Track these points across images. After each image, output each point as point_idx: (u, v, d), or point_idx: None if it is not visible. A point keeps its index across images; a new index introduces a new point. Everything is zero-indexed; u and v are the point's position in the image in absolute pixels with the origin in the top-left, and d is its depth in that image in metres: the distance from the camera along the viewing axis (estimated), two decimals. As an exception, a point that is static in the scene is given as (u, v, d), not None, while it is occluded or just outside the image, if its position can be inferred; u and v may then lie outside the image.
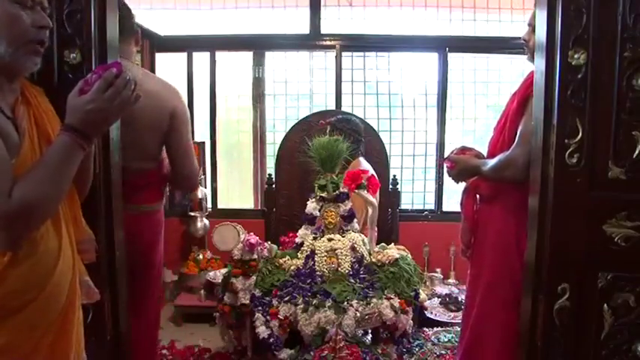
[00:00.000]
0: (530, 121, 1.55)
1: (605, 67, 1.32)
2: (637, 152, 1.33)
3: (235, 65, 4.07)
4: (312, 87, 4.07)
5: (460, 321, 2.34)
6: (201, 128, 4.02)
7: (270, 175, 3.53)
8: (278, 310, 2.30)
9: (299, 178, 3.41)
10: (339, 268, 2.42)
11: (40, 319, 1.11)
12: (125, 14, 1.78)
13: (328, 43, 3.89)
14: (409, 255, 2.70)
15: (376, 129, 3.72)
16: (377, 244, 2.70)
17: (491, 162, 1.84)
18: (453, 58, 3.93)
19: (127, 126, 1.58)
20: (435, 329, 3.21)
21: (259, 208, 4.06)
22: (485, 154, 1.99)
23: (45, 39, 1.15)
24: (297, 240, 2.59)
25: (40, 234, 1.10)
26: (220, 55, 4.00)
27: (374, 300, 2.28)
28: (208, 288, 3.41)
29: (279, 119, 4.11)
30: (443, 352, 2.95)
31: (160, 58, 3.92)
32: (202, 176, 3.77)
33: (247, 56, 4.04)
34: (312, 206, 2.57)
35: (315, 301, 2.28)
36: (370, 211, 2.59)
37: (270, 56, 4.05)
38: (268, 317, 2.30)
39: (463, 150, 2.05)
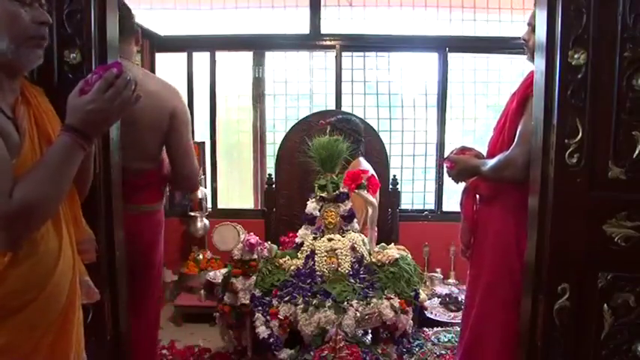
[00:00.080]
0: (530, 121, 1.55)
1: (605, 67, 1.32)
2: (637, 152, 1.33)
3: (235, 65, 4.07)
4: (312, 87, 4.07)
5: (460, 321, 2.34)
6: (201, 128, 4.01)
7: (270, 175, 3.53)
8: (278, 310, 2.30)
9: (299, 178, 3.41)
10: (339, 268, 2.42)
11: (40, 319, 1.11)
12: (125, 14, 1.79)
13: (328, 43, 3.89)
14: (409, 255, 2.70)
15: (376, 129, 3.71)
16: (377, 244, 2.70)
17: (491, 162, 1.84)
18: (453, 58, 3.93)
19: (127, 126, 1.58)
20: (435, 329, 3.21)
21: (259, 208, 4.06)
22: (485, 154, 1.99)
23: (45, 35, 1.15)
24: (297, 240, 2.59)
25: (40, 234, 1.10)
26: (220, 55, 4.00)
27: (374, 300, 2.28)
28: (208, 288, 3.41)
29: (279, 119, 4.11)
30: (443, 352, 2.95)
31: (160, 58, 3.92)
32: (202, 176, 3.77)
33: (247, 56, 4.04)
34: (312, 206, 2.57)
35: (315, 301, 2.28)
36: (370, 211, 2.59)
37: (270, 56, 4.05)
38: (268, 317, 2.30)
39: (463, 150, 2.05)
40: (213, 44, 3.97)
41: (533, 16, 1.65)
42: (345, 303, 2.27)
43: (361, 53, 3.98)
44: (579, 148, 1.34)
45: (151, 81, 1.90)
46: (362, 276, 2.41)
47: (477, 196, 2.03)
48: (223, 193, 4.15)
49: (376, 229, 2.67)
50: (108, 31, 1.42)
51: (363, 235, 2.56)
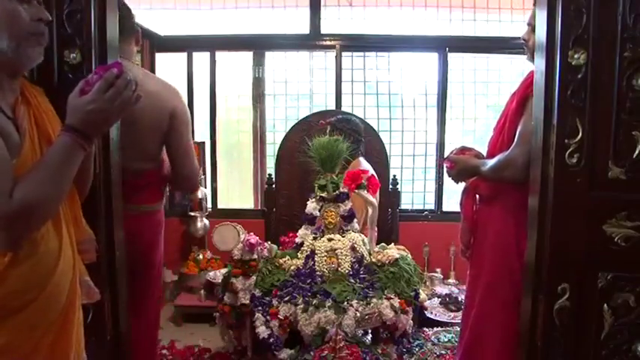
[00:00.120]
0: (530, 121, 1.55)
1: (605, 67, 1.32)
2: (637, 152, 1.33)
3: (235, 65, 4.07)
4: (312, 87, 4.07)
5: (460, 321, 2.34)
6: (201, 128, 4.01)
7: (270, 175, 3.53)
8: (278, 310, 2.30)
9: (299, 178, 3.41)
10: (339, 268, 2.42)
11: (40, 319, 1.11)
12: (125, 14, 1.79)
13: (328, 43, 3.89)
14: (409, 255, 2.70)
15: (376, 129, 3.72)
16: (377, 244, 2.70)
17: (491, 162, 1.84)
18: (453, 58, 3.93)
19: (127, 126, 1.58)
20: (435, 329, 3.21)
21: (259, 208, 4.06)
22: (485, 154, 1.99)
23: (45, 31, 1.15)
24: (297, 240, 2.59)
25: (40, 234, 1.10)
26: (220, 55, 4.00)
27: (374, 300, 2.28)
28: (208, 288, 3.41)
29: (279, 119, 4.11)
30: (443, 352, 2.95)
31: (160, 58, 3.92)
32: (202, 176, 3.77)
33: (247, 56, 4.04)
34: (312, 206, 2.57)
35: (315, 301, 2.28)
36: (370, 211, 2.59)
37: (270, 56, 4.05)
38: (268, 317, 2.30)
39: (463, 150, 2.05)
40: (213, 44, 3.97)
41: (533, 16, 1.65)
42: (345, 303, 2.27)
43: (361, 53, 3.98)
44: (579, 148, 1.34)
45: (151, 81, 1.90)
46: (362, 276, 2.41)
47: (477, 196, 2.03)
48: (223, 193, 4.15)
49: (376, 229, 2.67)
50: (108, 31, 1.42)
51: (363, 235, 2.57)
